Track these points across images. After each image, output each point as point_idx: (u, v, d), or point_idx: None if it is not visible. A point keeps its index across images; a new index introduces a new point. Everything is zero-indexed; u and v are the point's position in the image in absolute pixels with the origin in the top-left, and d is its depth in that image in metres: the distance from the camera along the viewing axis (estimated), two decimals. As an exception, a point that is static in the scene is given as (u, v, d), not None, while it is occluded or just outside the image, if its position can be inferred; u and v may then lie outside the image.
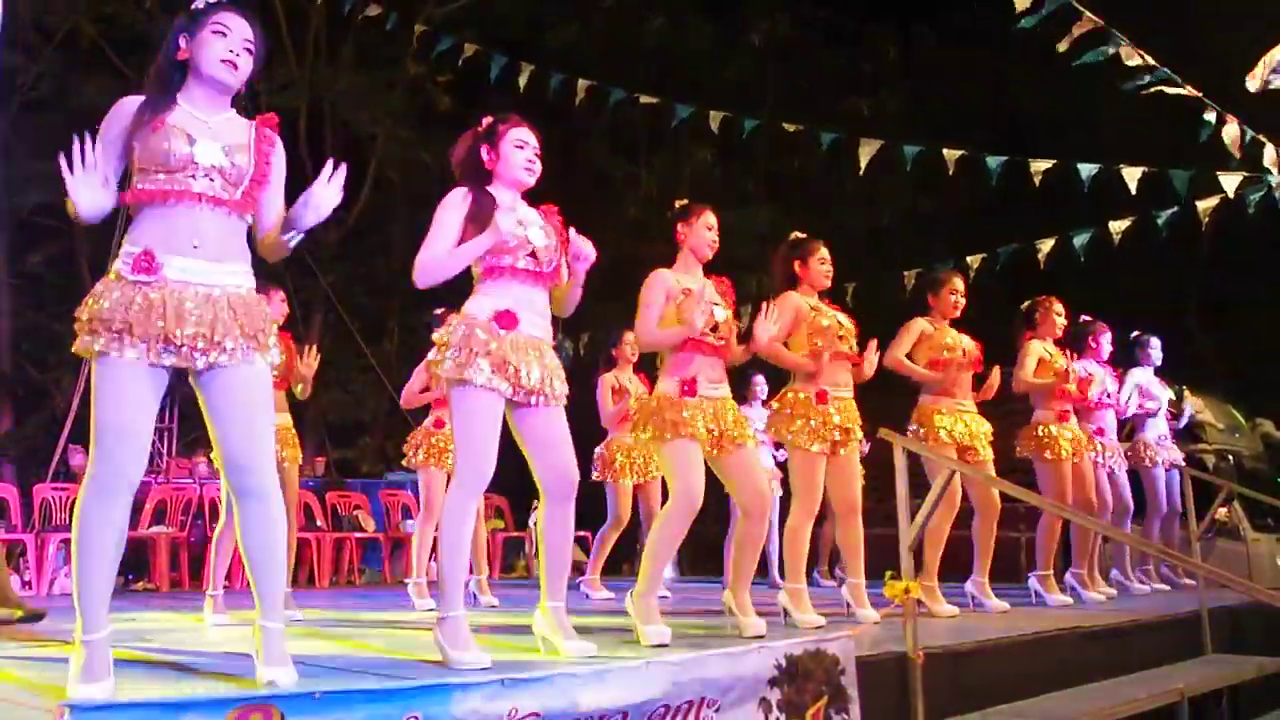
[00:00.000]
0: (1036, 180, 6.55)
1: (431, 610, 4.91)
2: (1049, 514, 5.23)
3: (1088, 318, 5.92)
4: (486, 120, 3.12)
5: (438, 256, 2.90)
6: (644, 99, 7.49)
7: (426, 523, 5.26)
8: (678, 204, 3.81)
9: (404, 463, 5.46)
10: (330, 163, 2.49)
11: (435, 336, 2.99)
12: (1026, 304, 5.56)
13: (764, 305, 3.88)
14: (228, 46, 2.45)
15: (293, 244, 2.55)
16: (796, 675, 2.47)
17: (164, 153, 2.35)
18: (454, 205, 2.97)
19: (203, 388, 2.39)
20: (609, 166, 13.43)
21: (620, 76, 8.18)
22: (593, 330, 8.43)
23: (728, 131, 7.61)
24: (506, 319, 2.90)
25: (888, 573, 3.04)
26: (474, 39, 7.77)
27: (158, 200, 2.35)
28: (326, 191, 2.47)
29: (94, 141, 2.33)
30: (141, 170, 2.37)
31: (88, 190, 2.30)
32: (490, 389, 2.83)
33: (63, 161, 2.28)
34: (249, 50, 2.49)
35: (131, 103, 2.43)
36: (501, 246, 2.93)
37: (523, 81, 7.36)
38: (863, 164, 6.87)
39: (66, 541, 6.78)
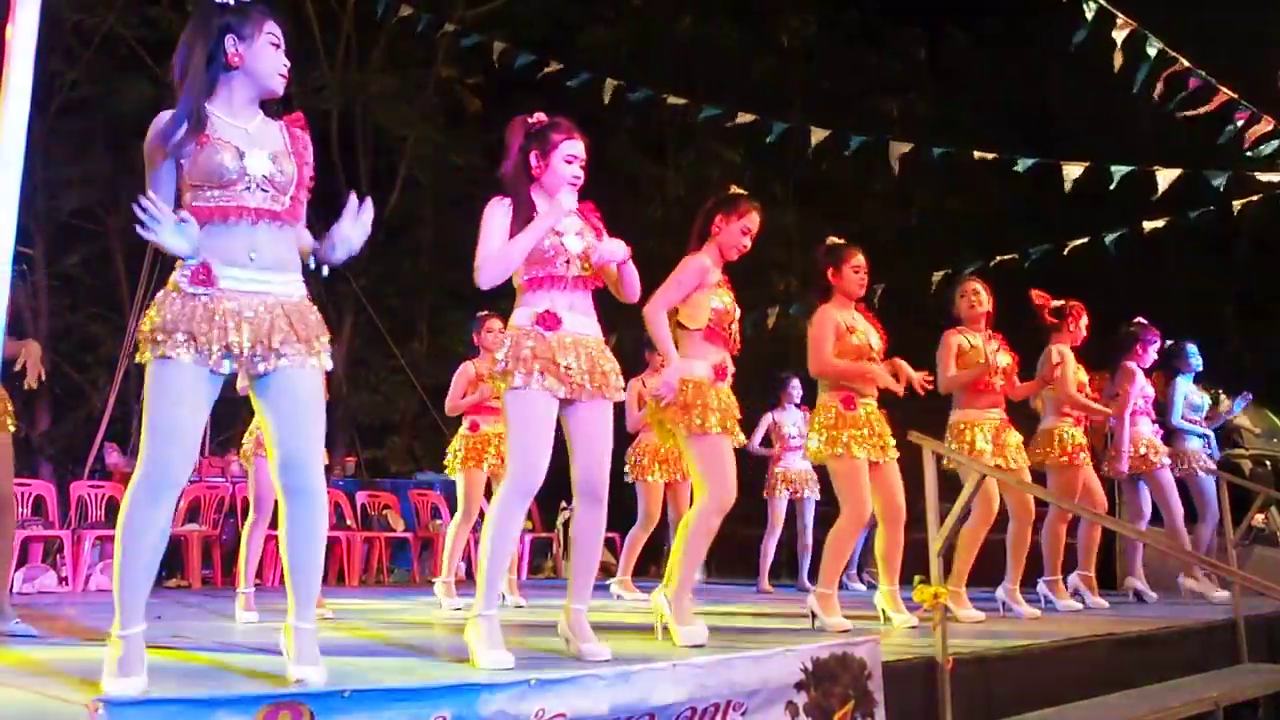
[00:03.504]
0: (1068, 184, 6.48)
1: (459, 610, 4.95)
2: (1054, 519, 5.19)
3: (1142, 320, 5.83)
4: (538, 119, 3.11)
5: (496, 251, 2.95)
6: (671, 100, 7.50)
7: (464, 523, 5.32)
8: (733, 190, 3.73)
9: (447, 471, 5.47)
10: (354, 197, 2.52)
11: (497, 355, 2.99)
12: (1059, 304, 5.48)
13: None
14: (283, 60, 2.49)
15: (325, 271, 2.59)
16: (823, 679, 2.46)
17: (216, 169, 2.36)
18: (500, 208, 3.01)
19: (259, 392, 2.44)
20: (636, 167, 13.43)
21: (648, 77, 8.19)
22: (620, 331, 8.44)
23: (755, 132, 7.59)
24: (548, 319, 2.95)
25: (916, 578, 3.02)
26: (503, 40, 7.80)
27: (216, 218, 2.38)
28: (355, 229, 2.53)
29: (151, 186, 2.37)
30: (194, 187, 2.38)
31: (175, 236, 2.32)
32: (543, 390, 2.87)
33: (140, 230, 2.31)
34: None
35: (166, 121, 2.38)
36: (540, 256, 2.97)
37: (550, 81, 7.38)
38: (895, 165, 6.82)
39: (102, 538, 6.90)
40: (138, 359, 2.37)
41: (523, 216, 2.99)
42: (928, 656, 3.00)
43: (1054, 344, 5.29)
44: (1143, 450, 5.71)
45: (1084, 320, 5.38)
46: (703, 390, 3.51)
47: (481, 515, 5.50)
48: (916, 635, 3.71)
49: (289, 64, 2.51)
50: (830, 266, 4.19)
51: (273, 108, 2.57)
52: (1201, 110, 5.86)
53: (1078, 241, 7.25)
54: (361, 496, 8.34)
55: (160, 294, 2.40)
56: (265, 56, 2.46)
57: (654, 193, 13.58)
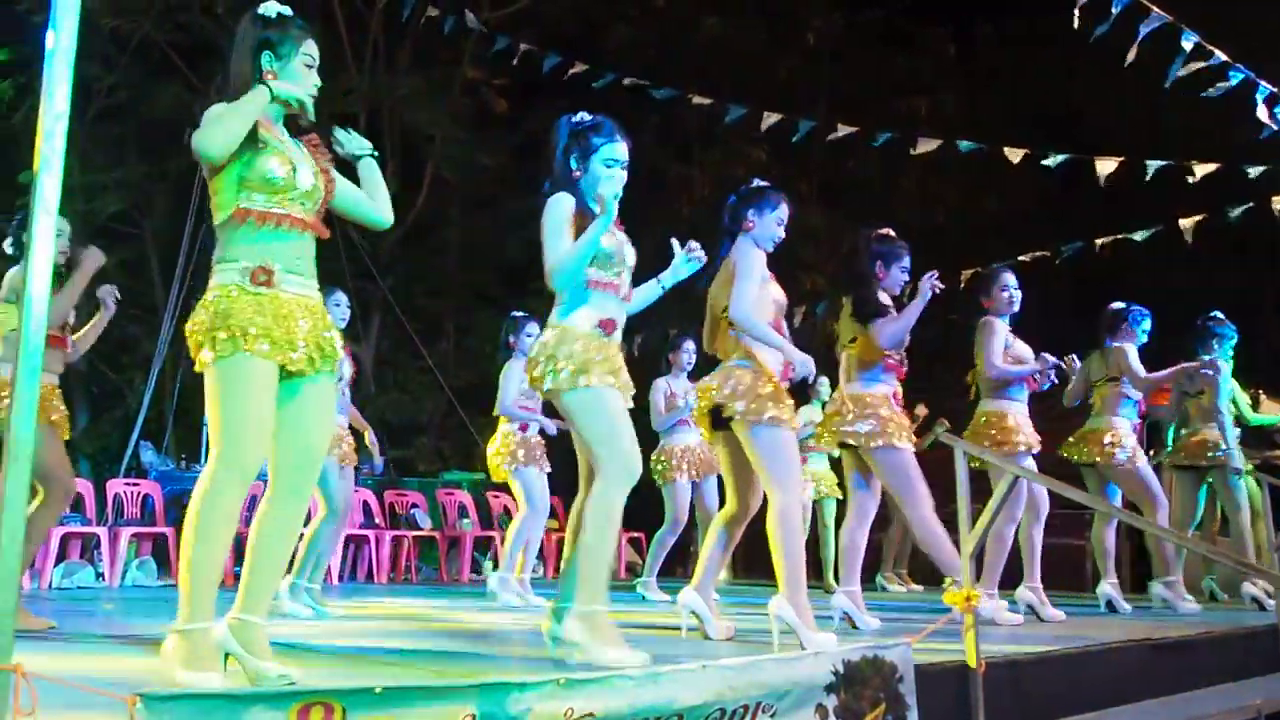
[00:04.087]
0: (1102, 180, 6.41)
1: (516, 608, 5.00)
2: (1119, 521, 5.14)
3: (1219, 314, 5.76)
4: (581, 119, 3.11)
5: (567, 254, 2.95)
6: (697, 99, 7.49)
7: (533, 521, 5.39)
8: (756, 184, 3.67)
9: (500, 473, 5.45)
10: None
11: (533, 353, 3.02)
12: (1117, 307, 5.42)
13: None
14: (314, 80, 2.53)
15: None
16: (854, 681, 2.44)
17: (270, 176, 2.41)
18: (564, 205, 3.02)
19: (288, 393, 2.46)
20: (662, 166, 13.43)
21: (674, 77, 8.18)
22: (645, 331, 8.44)
23: (781, 131, 7.57)
24: (610, 325, 3.02)
25: (947, 580, 2.99)
26: (530, 40, 7.83)
27: (268, 223, 2.41)
28: None
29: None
30: (245, 186, 2.41)
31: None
32: (615, 389, 2.94)
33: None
34: None
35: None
36: (604, 259, 3.01)
37: (576, 81, 7.40)
38: (920, 157, 6.77)
39: (138, 535, 7.00)
40: (201, 355, 2.37)
41: (578, 216, 3.01)
42: (959, 660, 2.97)
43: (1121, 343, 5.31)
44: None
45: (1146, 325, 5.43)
46: (779, 389, 3.47)
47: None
48: (946, 638, 3.68)
49: (320, 84, 2.54)
50: (879, 260, 4.18)
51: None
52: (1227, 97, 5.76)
53: (1109, 239, 7.17)
54: (389, 495, 8.39)
55: (214, 292, 2.41)
56: (301, 77, 2.49)
57: (681, 192, 13.57)
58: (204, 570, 2.32)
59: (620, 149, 3.07)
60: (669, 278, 3.42)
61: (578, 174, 3.07)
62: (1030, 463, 4.60)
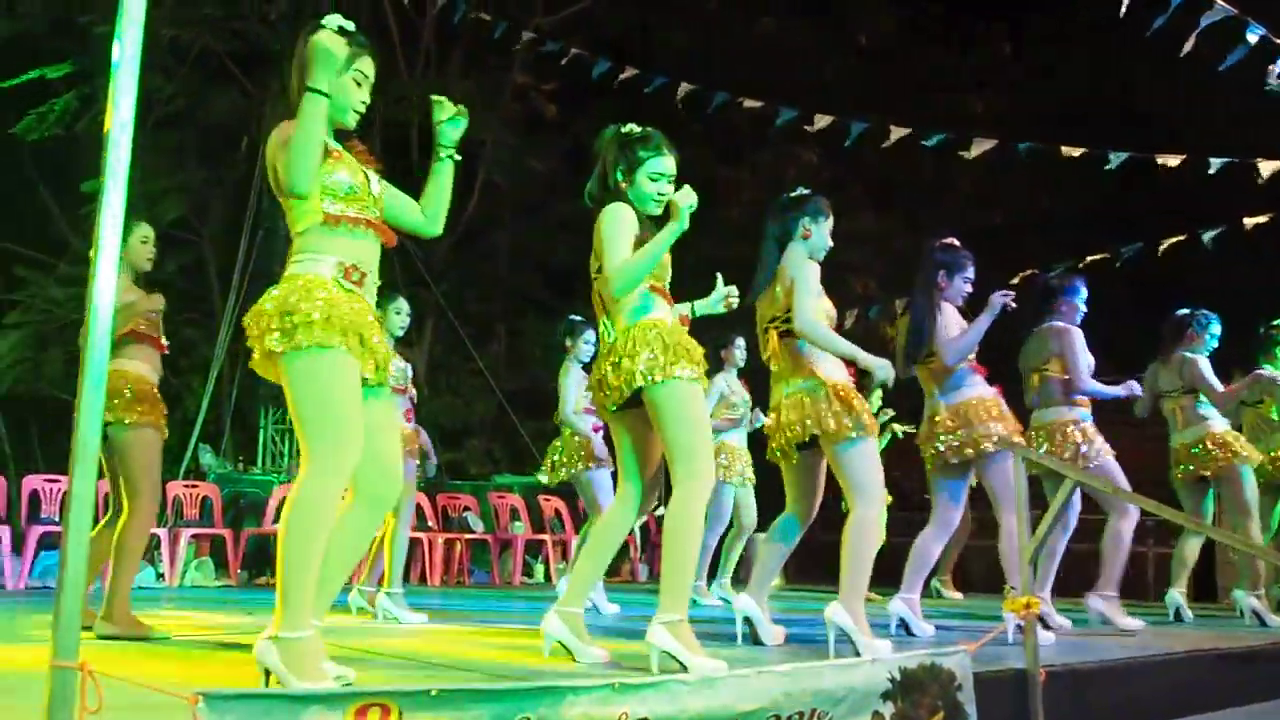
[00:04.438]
0: (1165, 173, 6.24)
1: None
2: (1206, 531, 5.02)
3: None
4: (630, 130, 3.08)
5: (630, 261, 2.93)
6: (748, 102, 7.44)
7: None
8: (804, 192, 3.62)
9: (565, 474, 5.45)
10: None
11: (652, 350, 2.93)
12: (1183, 313, 5.30)
13: None
14: (361, 98, 2.52)
15: None
16: (911, 689, 2.40)
17: (344, 181, 2.43)
18: (625, 215, 3.00)
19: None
20: (712, 170, 13.40)
21: (723, 79, 8.15)
22: (697, 334, 8.41)
23: (833, 133, 7.50)
24: (686, 322, 3.10)
25: (1006, 587, 2.94)
26: (580, 45, 7.85)
27: (359, 226, 2.44)
28: None
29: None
30: (326, 193, 2.41)
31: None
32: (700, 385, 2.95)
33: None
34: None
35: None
36: (663, 265, 3.02)
37: (625, 86, 7.40)
38: (974, 157, 6.66)
39: (196, 536, 7.14)
40: (289, 345, 2.27)
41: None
42: (1018, 668, 2.91)
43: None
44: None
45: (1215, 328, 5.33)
46: (847, 395, 3.40)
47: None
48: (1004, 646, 3.61)
49: (366, 101, 2.53)
50: (944, 269, 4.15)
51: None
52: None
53: (1172, 239, 6.99)
54: (441, 499, 8.47)
55: (301, 283, 2.34)
56: (345, 91, 2.48)
57: (730, 195, 13.53)
58: (304, 576, 2.25)
59: (668, 163, 3.04)
60: (702, 308, 3.57)
61: (624, 186, 3.05)
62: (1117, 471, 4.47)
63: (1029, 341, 4.73)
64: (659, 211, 3.06)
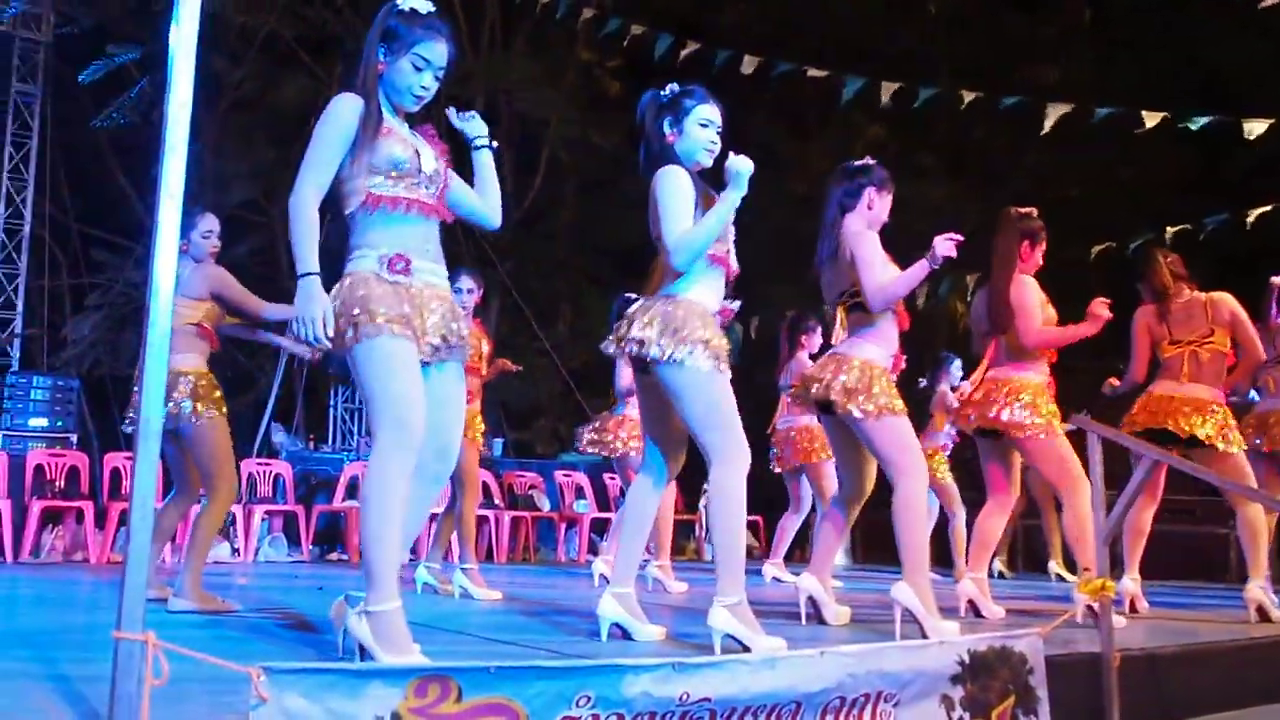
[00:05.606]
0: (1252, 140, 5.95)
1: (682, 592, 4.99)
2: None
3: None
4: (671, 89, 3.03)
5: (691, 233, 2.86)
6: (812, 72, 7.30)
7: (667, 499, 5.41)
8: (867, 162, 3.53)
9: (605, 449, 5.47)
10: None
11: (643, 332, 2.87)
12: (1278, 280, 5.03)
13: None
14: (421, 82, 2.50)
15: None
16: (981, 672, 2.34)
17: (397, 160, 2.44)
18: (681, 180, 2.91)
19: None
20: (775, 142, 13.20)
21: (789, 50, 8.00)
22: (762, 313, 8.32)
23: (901, 103, 7.31)
24: (725, 313, 3.00)
25: (1082, 569, 2.84)
26: (643, 21, 7.78)
27: (400, 207, 2.44)
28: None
29: (310, 167, 2.43)
30: (374, 174, 2.43)
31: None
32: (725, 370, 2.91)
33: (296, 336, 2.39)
34: (439, 77, 2.53)
35: (352, 103, 2.43)
36: (723, 234, 2.94)
37: (690, 62, 7.31)
38: (1048, 126, 6.42)
39: (270, 513, 7.32)
40: (346, 341, 2.36)
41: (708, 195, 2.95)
42: (1093, 652, 2.82)
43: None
44: None
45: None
46: (886, 378, 3.37)
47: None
48: (1077, 629, 3.51)
49: (428, 86, 2.50)
50: (1028, 239, 3.97)
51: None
52: None
53: (1261, 210, 6.68)
54: (507, 477, 8.54)
55: (350, 278, 2.42)
56: (402, 74, 2.48)
57: (796, 168, 13.33)
58: (384, 551, 2.31)
59: (713, 110, 2.98)
60: None
61: (672, 138, 2.97)
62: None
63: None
64: (709, 163, 2.99)
